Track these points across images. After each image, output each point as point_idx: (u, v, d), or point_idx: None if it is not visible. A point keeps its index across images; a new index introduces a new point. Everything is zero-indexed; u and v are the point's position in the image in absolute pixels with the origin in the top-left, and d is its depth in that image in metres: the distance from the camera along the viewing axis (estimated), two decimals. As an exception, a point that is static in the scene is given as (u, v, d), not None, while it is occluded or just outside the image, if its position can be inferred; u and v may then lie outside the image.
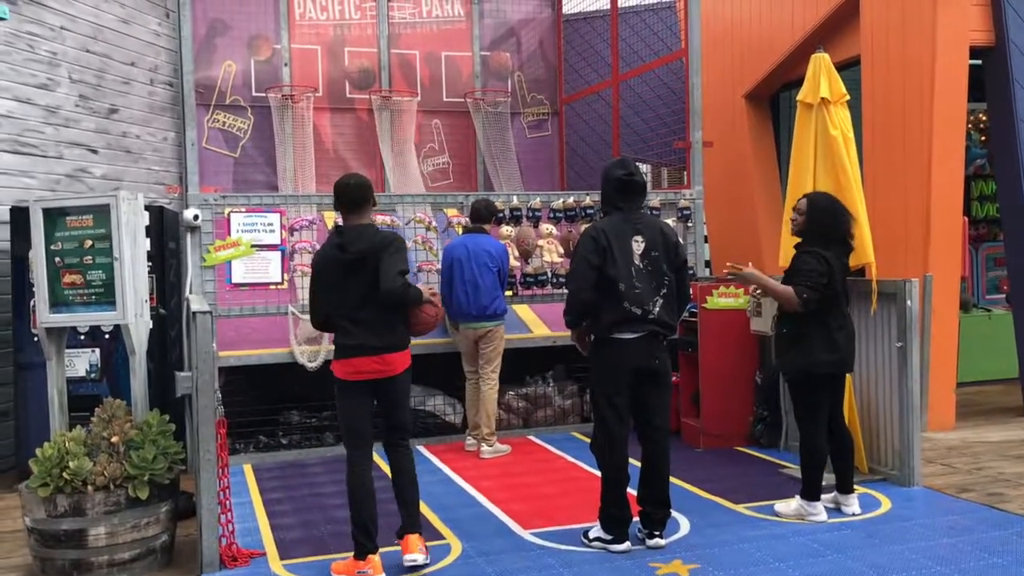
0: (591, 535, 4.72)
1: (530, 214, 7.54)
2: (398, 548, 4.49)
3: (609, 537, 4.65)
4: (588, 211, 7.56)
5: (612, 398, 4.64)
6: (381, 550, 4.40)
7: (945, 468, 6.17)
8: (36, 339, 6.10)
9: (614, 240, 4.59)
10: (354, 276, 4.31)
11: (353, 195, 4.39)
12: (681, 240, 7.72)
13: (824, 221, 5.05)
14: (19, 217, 6.35)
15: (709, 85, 9.03)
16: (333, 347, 4.48)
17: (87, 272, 4.92)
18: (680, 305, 4.84)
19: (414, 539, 4.44)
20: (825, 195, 5.29)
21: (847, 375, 5.31)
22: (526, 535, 4.92)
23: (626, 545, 4.62)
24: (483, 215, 6.84)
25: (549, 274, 7.53)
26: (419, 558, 4.41)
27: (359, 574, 4.30)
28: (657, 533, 4.70)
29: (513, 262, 7.32)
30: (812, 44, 7.80)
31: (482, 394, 6.74)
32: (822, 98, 5.64)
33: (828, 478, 5.27)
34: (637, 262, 4.62)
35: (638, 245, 4.64)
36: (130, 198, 4.96)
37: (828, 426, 5.18)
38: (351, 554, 4.37)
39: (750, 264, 5.33)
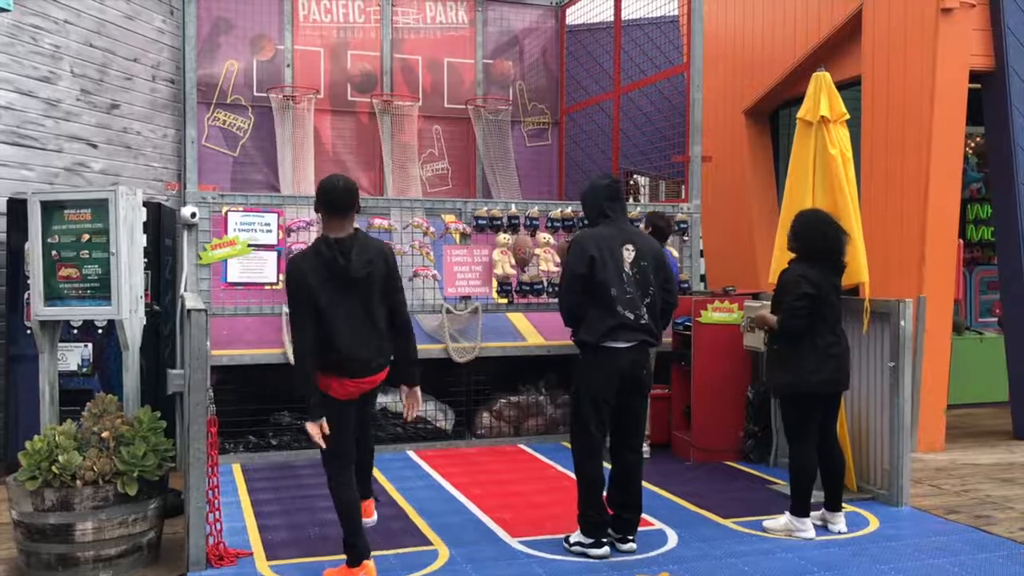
0: (572, 540, 4.78)
1: (528, 222, 7.55)
2: (384, 553, 4.48)
3: (589, 541, 4.69)
4: (585, 221, 7.57)
5: (599, 405, 4.70)
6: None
7: (933, 489, 6.18)
8: (29, 331, 6.10)
9: (604, 247, 4.68)
10: (356, 292, 4.07)
11: (343, 199, 4.07)
12: (677, 253, 7.76)
13: (808, 238, 5.07)
14: (16, 209, 6.33)
15: (710, 100, 9.06)
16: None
17: (83, 266, 4.92)
18: (662, 322, 4.90)
19: (369, 504, 4.61)
20: (815, 212, 5.29)
21: (841, 394, 5.31)
22: (514, 543, 4.91)
23: (605, 550, 4.68)
24: (662, 231, 6.68)
25: (545, 283, 7.54)
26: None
27: None
28: (631, 537, 4.77)
29: (509, 270, 7.32)
30: (813, 62, 7.84)
31: None
32: (822, 116, 5.67)
33: (817, 495, 5.28)
34: (627, 269, 4.70)
35: (628, 253, 4.73)
36: (129, 193, 4.97)
37: (819, 443, 5.19)
38: (341, 558, 4.33)
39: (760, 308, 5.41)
